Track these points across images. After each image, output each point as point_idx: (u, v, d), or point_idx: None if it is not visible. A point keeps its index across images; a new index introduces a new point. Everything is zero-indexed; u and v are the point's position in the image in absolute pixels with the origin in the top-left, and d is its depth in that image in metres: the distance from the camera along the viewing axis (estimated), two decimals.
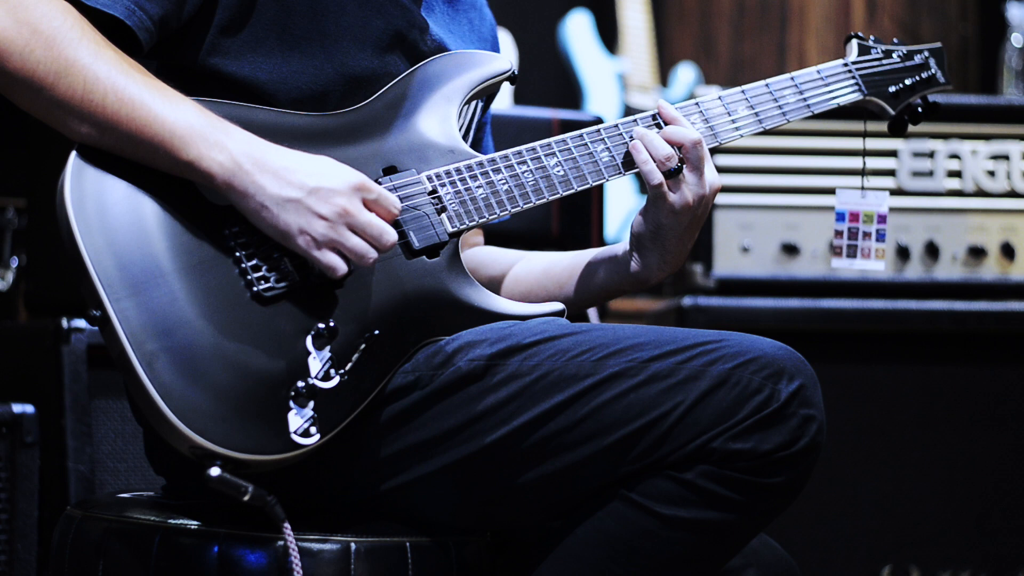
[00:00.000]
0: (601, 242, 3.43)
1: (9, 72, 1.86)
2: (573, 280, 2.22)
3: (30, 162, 3.14)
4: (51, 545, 2.01)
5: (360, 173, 1.91)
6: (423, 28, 2.12)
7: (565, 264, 2.24)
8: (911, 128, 2.35)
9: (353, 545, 1.89)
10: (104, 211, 1.85)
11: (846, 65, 2.29)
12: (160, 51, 2.01)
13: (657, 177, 2.08)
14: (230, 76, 2.01)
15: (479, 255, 2.32)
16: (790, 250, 3.33)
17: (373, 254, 1.90)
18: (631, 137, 2.11)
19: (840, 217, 2.33)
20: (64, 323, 2.88)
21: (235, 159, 1.86)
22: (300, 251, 1.88)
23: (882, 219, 2.32)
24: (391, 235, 1.90)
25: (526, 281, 2.26)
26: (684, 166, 2.09)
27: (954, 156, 3.37)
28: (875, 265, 2.31)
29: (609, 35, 5.88)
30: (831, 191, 3.31)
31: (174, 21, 1.98)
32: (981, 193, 3.38)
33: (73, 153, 1.88)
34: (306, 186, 1.87)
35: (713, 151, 2.16)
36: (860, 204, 2.32)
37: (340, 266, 1.88)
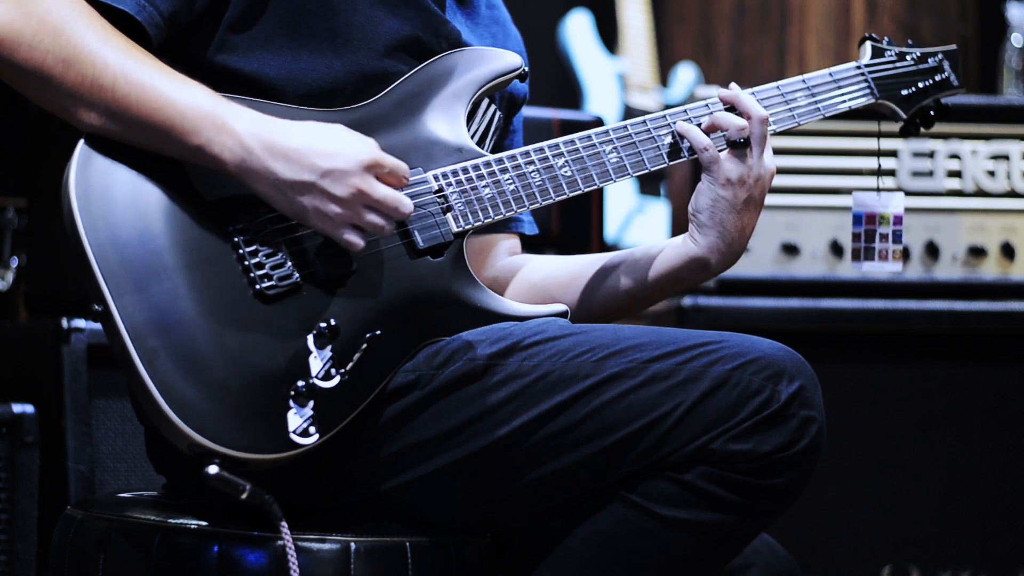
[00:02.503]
0: (601, 242, 3.43)
1: (19, 64, 1.86)
2: (634, 273, 2.17)
3: (30, 162, 3.14)
4: (51, 545, 2.01)
5: (370, 146, 1.91)
6: (439, 31, 2.10)
7: (620, 260, 2.19)
8: None
9: (353, 545, 1.89)
10: (108, 206, 1.85)
11: (859, 68, 2.28)
12: (169, 47, 2.01)
13: (710, 148, 2.07)
14: (238, 72, 2.00)
15: (521, 263, 2.28)
16: (790, 250, 3.33)
17: (391, 227, 1.91)
18: (643, 136, 2.10)
19: (857, 220, 2.31)
20: (64, 323, 2.88)
21: (245, 144, 1.86)
22: (318, 230, 1.88)
23: (898, 220, 2.30)
24: (407, 205, 1.91)
25: (590, 281, 2.20)
26: (750, 139, 2.08)
27: (954, 156, 3.37)
28: (893, 267, 2.30)
29: (609, 35, 5.88)
30: (832, 191, 3.33)
31: (184, 17, 1.98)
32: (981, 193, 3.38)
33: (78, 148, 1.87)
34: (319, 168, 1.87)
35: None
36: (876, 206, 2.31)
37: (359, 242, 1.89)
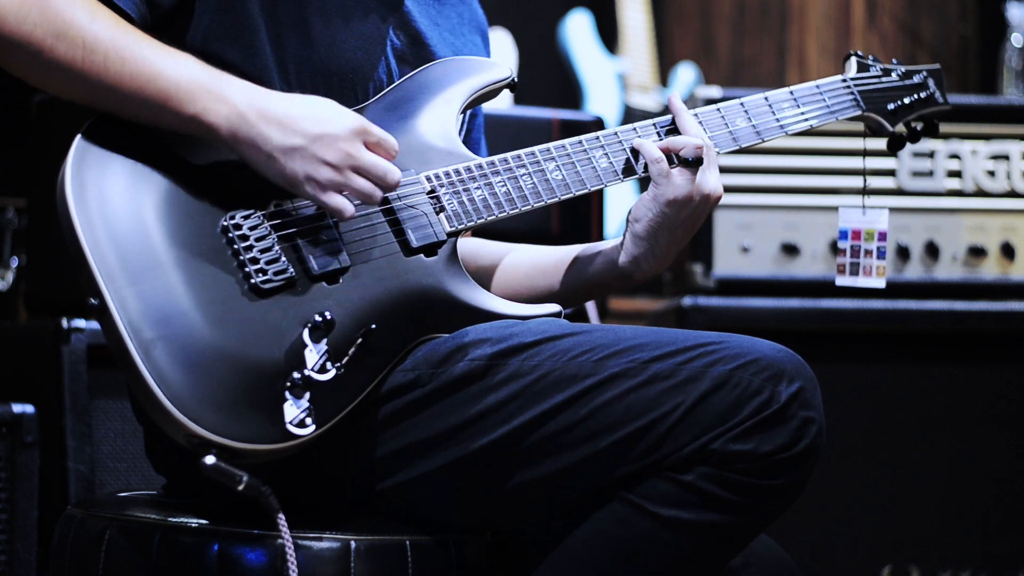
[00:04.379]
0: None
1: (4, 37, 1.86)
2: (560, 273, 2.22)
3: (30, 162, 3.14)
4: (51, 545, 2.01)
5: (360, 116, 1.93)
6: (399, 23, 2.12)
7: (554, 257, 2.24)
8: None
9: (353, 543, 1.89)
10: (104, 201, 1.85)
11: (844, 81, 2.30)
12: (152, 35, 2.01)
13: (662, 161, 2.08)
14: (222, 61, 2.00)
15: (466, 246, 2.32)
16: (790, 250, 3.33)
17: (379, 193, 1.93)
18: (631, 144, 2.12)
19: (843, 235, 2.33)
20: (64, 323, 2.88)
21: (239, 111, 1.88)
22: (308, 196, 1.90)
23: (882, 236, 2.32)
24: (395, 174, 1.93)
25: (514, 274, 2.26)
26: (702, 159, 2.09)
27: (954, 156, 3.37)
28: (876, 283, 2.32)
29: (609, 35, 5.88)
30: (831, 191, 3.34)
31: (165, 1, 1.99)
32: (981, 193, 3.38)
33: (74, 144, 1.88)
34: (310, 133, 1.89)
35: None
36: (861, 222, 2.33)
37: (347, 207, 1.91)
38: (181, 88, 1.88)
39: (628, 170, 2.13)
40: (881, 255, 2.32)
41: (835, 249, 3.32)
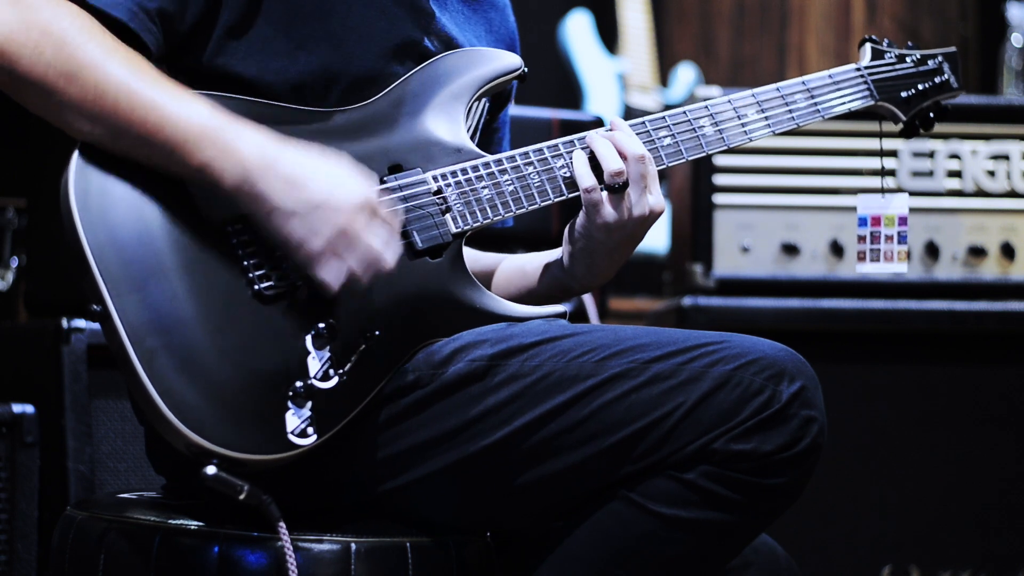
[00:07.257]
0: None
1: (19, 75, 1.85)
2: (525, 283, 2.21)
3: (30, 162, 3.14)
4: (51, 545, 2.01)
5: (368, 191, 1.88)
6: (430, 29, 2.11)
7: (532, 264, 2.22)
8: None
9: (353, 545, 1.89)
10: (107, 206, 1.85)
11: (859, 69, 2.28)
12: (168, 54, 2.00)
13: (594, 190, 2.04)
14: (238, 76, 2.00)
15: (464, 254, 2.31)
16: (790, 250, 3.33)
17: (367, 278, 1.88)
18: (643, 139, 2.10)
19: (862, 222, 2.31)
20: (64, 323, 2.88)
21: (245, 165, 1.85)
22: (298, 261, 1.87)
23: (903, 221, 2.31)
24: (387, 263, 1.88)
25: (498, 279, 2.25)
26: (628, 182, 2.05)
27: (954, 156, 3.37)
28: (899, 267, 2.30)
29: (609, 35, 5.88)
30: (831, 191, 3.34)
31: (178, 21, 1.97)
32: (981, 193, 3.38)
33: (77, 149, 1.87)
34: (311, 202, 1.85)
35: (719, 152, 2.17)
36: (881, 207, 2.31)
37: (333, 284, 1.86)
38: (189, 138, 1.84)
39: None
40: (902, 240, 2.30)
41: (835, 249, 3.33)
